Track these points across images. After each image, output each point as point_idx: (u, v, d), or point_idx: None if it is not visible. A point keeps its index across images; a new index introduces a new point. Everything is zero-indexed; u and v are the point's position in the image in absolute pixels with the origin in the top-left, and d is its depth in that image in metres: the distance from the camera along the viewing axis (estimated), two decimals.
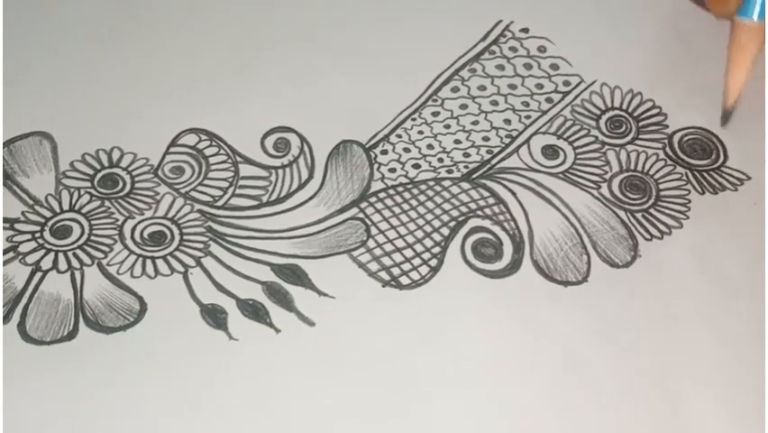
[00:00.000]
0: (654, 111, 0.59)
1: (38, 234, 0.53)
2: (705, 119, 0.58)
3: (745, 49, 0.55)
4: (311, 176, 0.56)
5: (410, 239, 0.54)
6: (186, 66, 0.60)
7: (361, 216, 0.55)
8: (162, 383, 0.49)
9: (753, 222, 0.55)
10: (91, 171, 0.56)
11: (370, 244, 0.54)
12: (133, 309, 0.52)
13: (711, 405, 0.50)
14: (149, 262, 0.53)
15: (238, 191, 0.56)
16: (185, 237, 0.54)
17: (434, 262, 0.54)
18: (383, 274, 0.53)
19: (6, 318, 0.51)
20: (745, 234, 0.54)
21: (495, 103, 0.59)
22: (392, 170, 0.57)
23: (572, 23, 0.62)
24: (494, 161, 0.57)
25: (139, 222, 0.54)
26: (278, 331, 0.51)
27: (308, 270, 0.53)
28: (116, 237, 0.54)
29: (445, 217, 0.55)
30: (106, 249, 0.53)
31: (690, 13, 0.61)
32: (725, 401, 0.50)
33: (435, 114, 0.59)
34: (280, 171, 0.56)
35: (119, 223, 0.54)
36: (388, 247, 0.54)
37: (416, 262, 0.54)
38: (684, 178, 0.56)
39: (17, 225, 0.54)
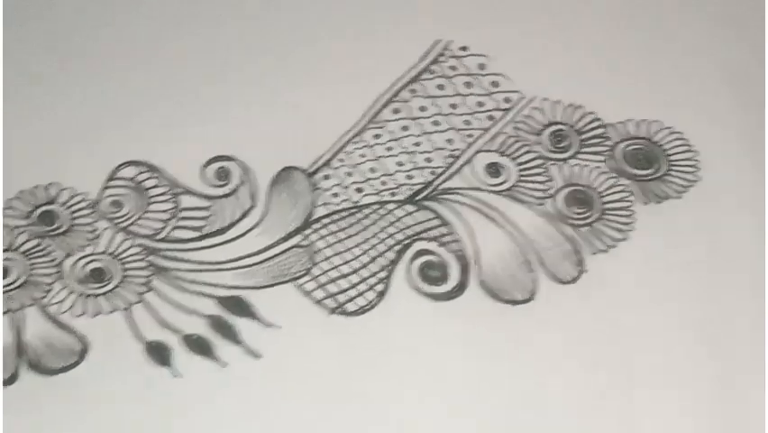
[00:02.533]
0: (596, 123, 0.59)
1: None
2: (646, 129, 0.58)
3: None
4: (253, 204, 0.56)
5: (356, 264, 0.54)
6: (123, 98, 0.59)
7: (306, 243, 0.54)
8: (108, 424, 0.49)
9: (698, 229, 0.55)
10: (29, 208, 0.55)
11: (315, 271, 0.53)
12: (75, 350, 0.51)
13: (662, 416, 0.49)
14: (90, 299, 0.52)
15: (179, 223, 0.55)
16: (126, 273, 0.53)
17: (380, 287, 0.53)
18: (329, 302, 0.52)
19: None
20: (690, 242, 0.54)
21: (437, 123, 0.59)
22: (335, 195, 0.56)
23: (511, 38, 0.61)
24: (438, 182, 0.56)
25: (79, 259, 0.53)
26: (224, 365, 0.50)
27: (253, 300, 0.52)
28: (56, 276, 0.53)
29: (390, 241, 0.54)
30: (46, 288, 0.52)
31: (627, 23, 0.61)
32: (676, 412, 0.50)
33: (377, 136, 0.58)
34: (222, 201, 0.56)
35: (58, 261, 0.53)
36: (334, 274, 0.53)
37: (363, 287, 0.53)
38: (628, 189, 0.56)
39: None
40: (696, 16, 0.61)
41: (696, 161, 0.57)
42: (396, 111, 0.59)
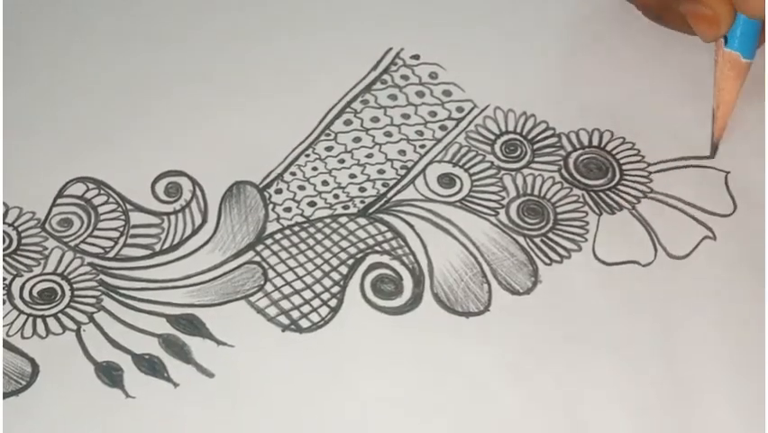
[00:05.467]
0: (548, 133, 0.58)
1: None
2: (598, 138, 0.58)
3: (736, 83, 0.55)
4: (204, 220, 0.55)
5: (309, 280, 0.53)
6: (68, 112, 0.58)
7: (258, 259, 0.54)
8: None
9: (650, 241, 0.55)
10: None
11: (268, 287, 0.53)
12: (25, 373, 0.50)
13: (616, 427, 0.49)
14: (39, 321, 0.51)
15: (129, 241, 0.54)
16: (76, 293, 0.52)
17: (333, 302, 0.53)
18: (282, 318, 0.52)
19: None
20: (644, 253, 0.54)
21: (389, 134, 0.58)
22: (287, 210, 0.56)
23: (463, 47, 0.61)
24: (390, 194, 0.56)
25: (27, 279, 0.53)
26: (176, 385, 0.50)
27: (205, 319, 0.52)
28: (4, 298, 0.52)
29: (343, 255, 0.54)
30: None
31: (578, 34, 0.61)
32: (630, 424, 0.50)
33: (329, 148, 0.58)
34: (173, 217, 0.55)
35: (6, 282, 0.52)
36: (287, 290, 0.53)
37: (316, 303, 0.53)
38: (581, 200, 0.56)
39: None
40: (652, 25, 0.61)
41: (648, 171, 0.57)
42: (347, 122, 0.59)
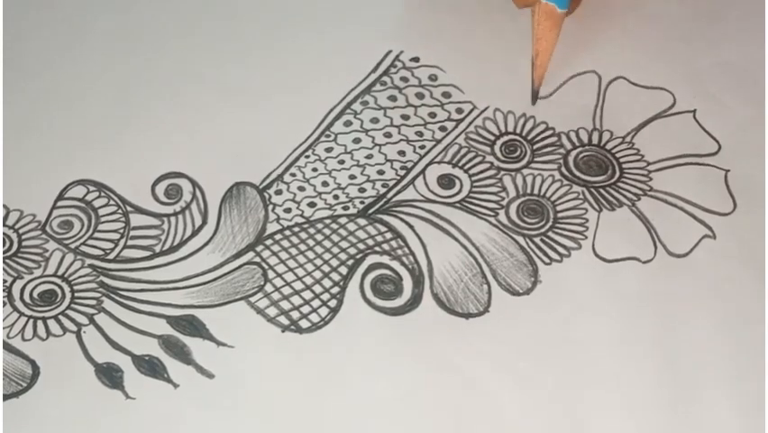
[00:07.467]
0: (548, 133, 0.59)
1: None
2: (597, 137, 0.58)
3: (552, 33, 0.57)
4: (204, 222, 0.55)
5: (308, 280, 0.53)
6: (69, 115, 0.59)
7: (258, 259, 0.54)
8: None
9: (651, 237, 0.55)
10: None
11: (268, 288, 0.53)
12: (26, 374, 0.50)
13: (616, 427, 0.49)
14: (40, 323, 0.52)
15: (130, 242, 0.54)
16: (76, 294, 0.53)
17: (333, 303, 0.53)
18: (282, 319, 0.52)
19: None
20: (644, 250, 0.54)
21: (388, 135, 0.58)
22: (287, 211, 0.56)
23: (462, 49, 0.61)
24: (390, 195, 0.56)
25: (28, 282, 0.53)
26: (176, 386, 0.50)
27: (205, 319, 0.52)
28: (5, 300, 0.52)
29: (343, 256, 0.54)
30: None
31: (572, 34, 0.61)
32: (628, 423, 0.49)
33: (329, 149, 0.58)
34: (173, 219, 0.55)
35: (7, 284, 0.53)
36: (287, 290, 0.53)
37: (316, 303, 0.53)
38: (581, 196, 0.56)
39: None
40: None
41: (648, 170, 0.57)
42: (347, 123, 0.59)
